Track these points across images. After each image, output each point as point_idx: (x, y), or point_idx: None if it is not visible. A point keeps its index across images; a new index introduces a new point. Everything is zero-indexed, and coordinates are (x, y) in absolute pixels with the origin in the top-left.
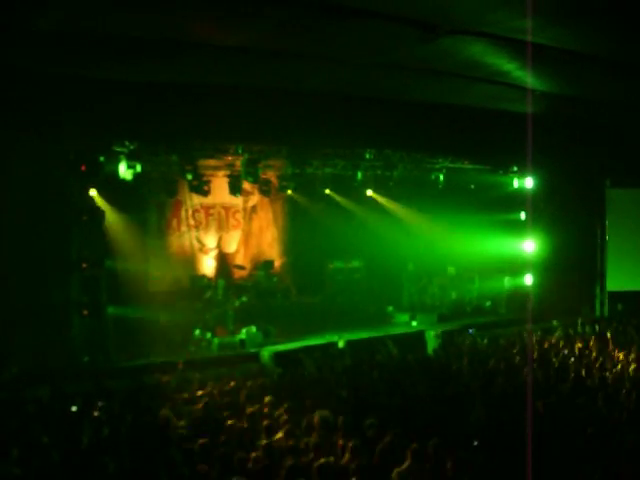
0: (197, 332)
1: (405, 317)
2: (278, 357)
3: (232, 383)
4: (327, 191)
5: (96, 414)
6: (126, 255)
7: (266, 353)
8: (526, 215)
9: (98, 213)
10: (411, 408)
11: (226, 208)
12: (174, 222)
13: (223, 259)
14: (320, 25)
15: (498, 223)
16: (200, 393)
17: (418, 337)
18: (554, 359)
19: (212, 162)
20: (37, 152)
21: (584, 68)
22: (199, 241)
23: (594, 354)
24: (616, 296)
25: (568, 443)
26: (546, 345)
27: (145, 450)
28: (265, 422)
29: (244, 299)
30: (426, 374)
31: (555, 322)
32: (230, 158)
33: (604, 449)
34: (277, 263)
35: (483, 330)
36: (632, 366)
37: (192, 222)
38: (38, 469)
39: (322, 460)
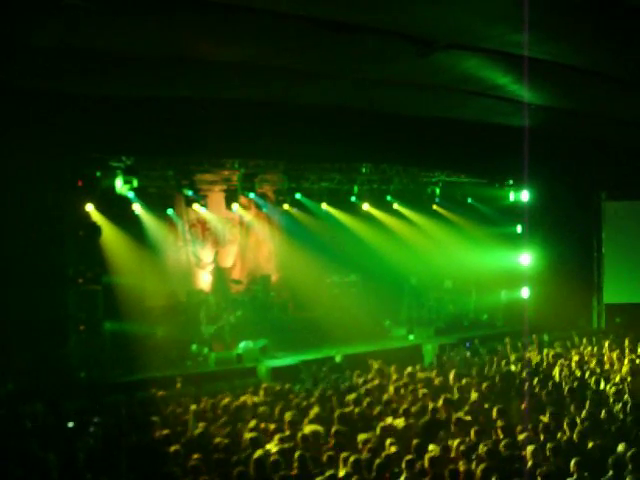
0: (194, 347)
1: (402, 331)
2: (275, 372)
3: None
4: (324, 205)
5: (92, 430)
6: (123, 270)
7: (263, 368)
8: (522, 228)
9: (95, 228)
10: None
11: (223, 223)
12: (171, 237)
13: (220, 274)
14: (316, 40)
15: (494, 236)
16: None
17: (415, 351)
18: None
19: (209, 177)
20: (34, 167)
21: (579, 82)
22: (196, 256)
23: (591, 367)
24: (613, 309)
25: (567, 457)
26: (542, 359)
27: (142, 466)
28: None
29: (239, 312)
30: None
31: (546, 336)
32: (227, 173)
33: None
34: (274, 277)
35: (480, 343)
36: (629, 379)
37: (189, 237)
38: None
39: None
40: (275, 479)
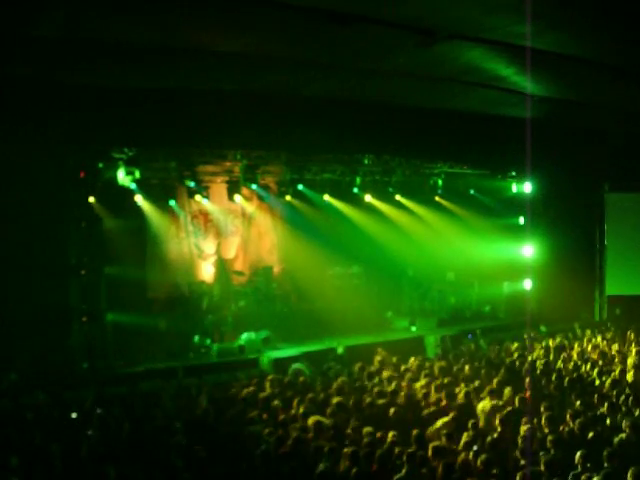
0: (196, 338)
1: (404, 322)
2: (277, 363)
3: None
4: (326, 197)
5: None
6: (125, 261)
7: (265, 359)
8: (525, 220)
9: (97, 220)
10: None
11: (225, 214)
12: (173, 228)
13: (222, 265)
14: (318, 31)
15: (497, 228)
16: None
17: (417, 342)
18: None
19: (211, 168)
20: (35, 159)
21: (582, 73)
22: (198, 247)
23: (593, 358)
24: (615, 300)
25: (564, 448)
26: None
27: (145, 457)
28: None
29: (241, 304)
30: None
31: (543, 327)
32: (229, 164)
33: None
34: (276, 269)
35: (483, 335)
36: (631, 372)
37: (191, 228)
38: (39, 478)
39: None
40: (283, 471)
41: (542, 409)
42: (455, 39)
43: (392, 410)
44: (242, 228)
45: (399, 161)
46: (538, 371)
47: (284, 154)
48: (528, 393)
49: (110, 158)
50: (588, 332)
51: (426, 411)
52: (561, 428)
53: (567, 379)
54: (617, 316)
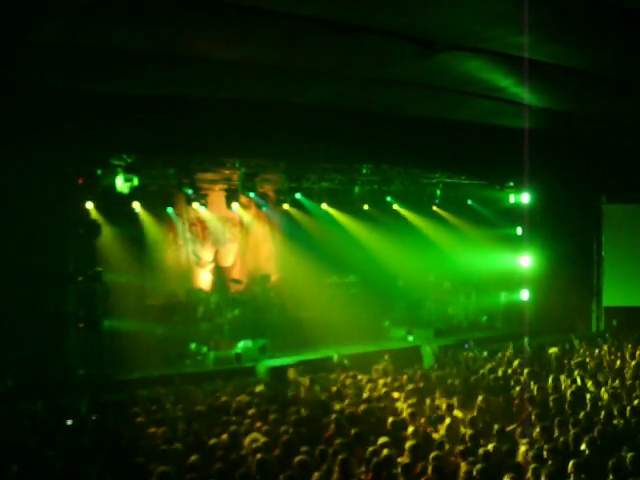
0: (193, 346)
1: (401, 332)
2: (274, 372)
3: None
4: (324, 206)
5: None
6: (122, 268)
7: (262, 367)
8: (522, 230)
9: (94, 226)
10: None
11: (223, 222)
12: (170, 236)
13: (219, 273)
14: (318, 41)
15: (494, 238)
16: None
17: (414, 352)
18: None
19: (209, 176)
20: (34, 165)
21: (580, 84)
22: (195, 255)
23: (590, 369)
24: (612, 312)
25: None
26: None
27: (140, 464)
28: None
29: (238, 312)
30: None
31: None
32: (227, 172)
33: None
34: (273, 277)
35: (480, 345)
36: (628, 382)
37: (189, 236)
38: None
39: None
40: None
41: (536, 419)
42: (454, 50)
43: None
44: (240, 236)
45: (397, 171)
46: (533, 382)
47: (283, 162)
48: (522, 402)
49: (109, 165)
50: (584, 343)
51: None
52: (556, 439)
53: (562, 390)
54: (614, 327)
